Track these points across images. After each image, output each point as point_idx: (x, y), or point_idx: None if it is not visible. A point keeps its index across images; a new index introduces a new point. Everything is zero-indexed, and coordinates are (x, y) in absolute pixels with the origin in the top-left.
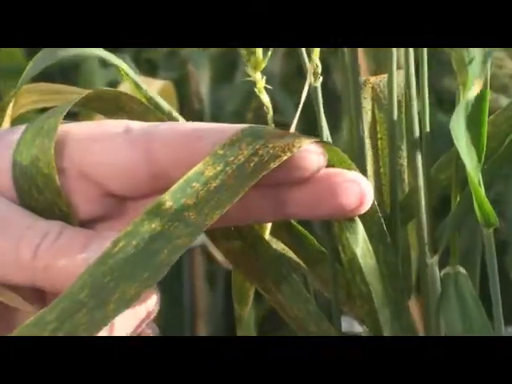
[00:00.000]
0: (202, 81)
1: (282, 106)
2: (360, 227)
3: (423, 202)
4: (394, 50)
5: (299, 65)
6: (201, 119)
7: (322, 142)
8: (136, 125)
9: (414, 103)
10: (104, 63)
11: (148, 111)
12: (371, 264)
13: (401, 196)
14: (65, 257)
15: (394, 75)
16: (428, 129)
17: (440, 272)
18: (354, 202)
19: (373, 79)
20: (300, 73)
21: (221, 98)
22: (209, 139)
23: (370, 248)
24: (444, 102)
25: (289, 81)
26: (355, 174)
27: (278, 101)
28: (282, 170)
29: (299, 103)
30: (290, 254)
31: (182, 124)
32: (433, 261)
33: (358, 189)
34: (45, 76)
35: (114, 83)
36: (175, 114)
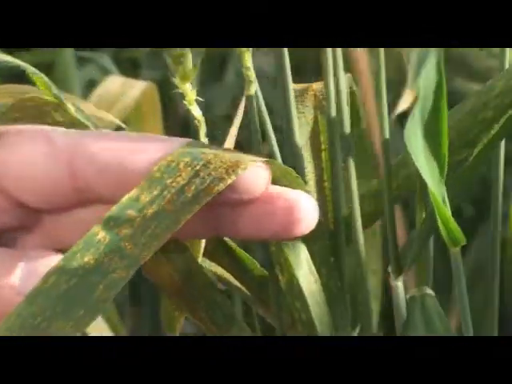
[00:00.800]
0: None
1: (277, 108)
2: (301, 246)
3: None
4: (329, 50)
5: (296, 64)
6: (187, 124)
7: (266, 161)
8: (58, 133)
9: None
10: (81, 62)
11: (74, 125)
12: (314, 288)
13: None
14: None
15: (331, 79)
16: (387, 135)
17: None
18: (295, 226)
19: (315, 86)
20: (297, 72)
21: (209, 100)
22: (141, 155)
23: (314, 270)
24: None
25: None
26: (298, 195)
27: (273, 103)
28: (223, 191)
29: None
30: (229, 277)
31: (111, 135)
32: (398, 283)
33: (299, 211)
34: (14, 75)
35: (92, 83)
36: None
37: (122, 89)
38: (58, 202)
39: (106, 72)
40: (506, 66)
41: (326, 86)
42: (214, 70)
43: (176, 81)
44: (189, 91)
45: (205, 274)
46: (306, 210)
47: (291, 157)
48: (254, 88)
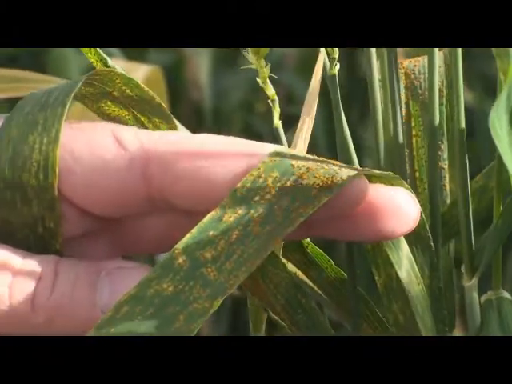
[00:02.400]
0: (201, 66)
1: (298, 96)
2: (402, 245)
3: (470, 215)
4: None
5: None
6: (199, 112)
7: (363, 171)
8: (125, 133)
9: (461, 91)
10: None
11: (145, 98)
12: (417, 290)
13: (442, 207)
14: (70, 305)
15: (436, 57)
16: (463, 125)
17: (480, 298)
18: (402, 228)
19: (406, 63)
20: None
21: (224, 86)
22: (221, 166)
23: (416, 270)
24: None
25: (306, 65)
26: (398, 193)
27: (293, 89)
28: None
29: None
30: (303, 278)
31: (187, 140)
32: (471, 284)
33: (405, 212)
34: (10, 60)
35: (91, 69)
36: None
37: (126, 72)
38: (128, 210)
39: (109, 55)
40: None
41: (430, 65)
42: (229, 55)
43: (249, 56)
44: (262, 67)
45: (287, 272)
46: (407, 208)
47: (390, 152)
48: (337, 68)
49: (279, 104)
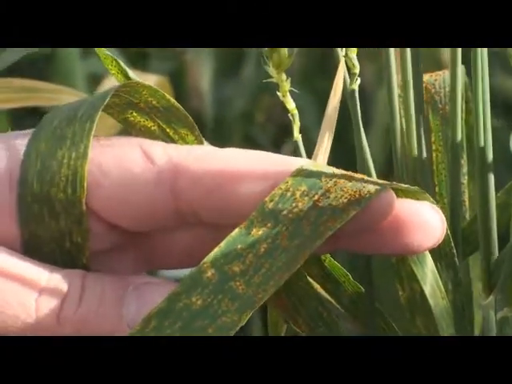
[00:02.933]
0: (203, 74)
1: (302, 108)
2: (427, 259)
3: (491, 232)
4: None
5: (322, 60)
6: (200, 121)
7: (391, 184)
8: (153, 148)
9: (481, 106)
10: (84, 53)
11: (171, 109)
12: (442, 305)
13: (462, 222)
14: (96, 319)
15: (459, 71)
16: (490, 141)
17: (496, 315)
18: (428, 242)
19: (426, 77)
20: (323, 69)
21: (225, 95)
22: (250, 181)
23: (441, 284)
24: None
25: (310, 78)
26: (424, 208)
27: (297, 102)
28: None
29: (323, 106)
30: (321, 291)
31: (216, 154)
32: (487, 302)
33: (431, 227)
34: (11, 69)
35: (97, 77)
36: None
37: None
38: (156, 224)
39: None
40: None
41: (453, 78)
42: (231, 64)
43: (270, 70)
44: (283, 81)
45: (308, 283)
46: (433, 223)
47: (418, 172)
48: (357, 83)
49: (276, 114)
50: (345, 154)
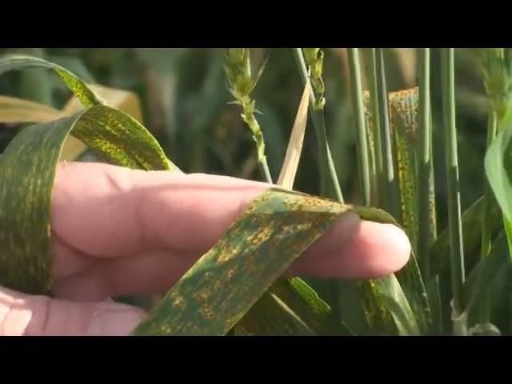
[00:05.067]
0: (164, 90)
1: (261, 121)
2: (393, 280)
3: (458, 250)
4: (427, 56)
5: (282, 72)
6: (162, 136)
7: (356, 207)
8: (119, 174)
9: (453, 128)
10: (50, 69)
11: (136, 132)
12: (409, 326)
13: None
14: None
15: (427, 90)
16: (455, 162)
17: (468, 331)
18: (392, 266)
19: (392, 96)
20: (282, 82)
21: (187, 110)
22: (216, 207)
23: (408, 305)
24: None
25: (269, 91)
26: (392, 231)
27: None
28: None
29: (283, 120)
30: (287, 309)
31: (181, 180)
32: (460, 319)
33: (396, 249)
34: None
35: (64, 92)
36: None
37: (100, 99)
38: (121, 250)
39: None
40: None
41: (422, 98)
42: (193, 80)
43: (233, 92)
44: (247, 103)
45: (273, 302)
46: (398, 245)
47: (384, 191)
48: (323, 103)
49: (237, 130)
50: (309, 172)
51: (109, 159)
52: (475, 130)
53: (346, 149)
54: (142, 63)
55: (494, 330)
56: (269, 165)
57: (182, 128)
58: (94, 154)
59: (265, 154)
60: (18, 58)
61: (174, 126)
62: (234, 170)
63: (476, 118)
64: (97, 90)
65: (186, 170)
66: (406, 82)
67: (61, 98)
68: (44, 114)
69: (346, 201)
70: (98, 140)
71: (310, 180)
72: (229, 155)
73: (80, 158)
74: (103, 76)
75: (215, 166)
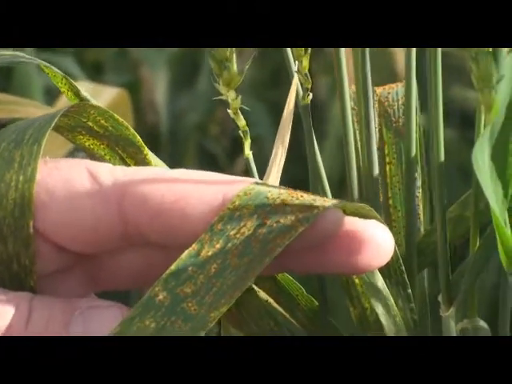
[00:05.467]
0: (158, 87)
1: (253, 118)
2: (378, 276)
3: (445, 245)
4: (413, 51)
5: (273, 69)
6: (156, 133)
7: (339, 202)
8: (100, 170)
9: (440, 122)
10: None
11: (119, 129)
12: (393, 323)
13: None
14: None
15: (413, 84)
16: (442, 156)
17: (456, 326)
18: (376, 262)
19: (379, 90)
20: (274, 79)
21: (180, 107)
22: (198, 202)
23: (392, 302)
24: (449, 114)
25: (261, 88)
26: (372, 227)
27: (248, 111)
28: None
29: (274, 116)
30: (275, 306)
31: (163, 175)
32: (448, 314)
33: (380, 245)
34: None
35: (52, 89)
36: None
37: (91, 96)
38: (103, 246)
39: (70, 77)
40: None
41: (408, 92)
42: (186, 77)
43: (219, 87)
44: (234, 98)
45: (260, 300)
46: (382, 241)
47: (370, 185)
48: (310, 98)
49: (230, 126)
50: (298, 168)
51: (92, 155)
52: (466, 124)
53: (338, 145)
54: (134, 60)
55: (483, 325)
56: (261, 160)
57: (175, 124)
58: (84, 151)
59: (256, 149)
60: (5, 53)
61: (167, 122)
62: (227, 167)
63: (467, 112)
64: (87, 87)
65: (179, 166)
66: (400, 77)
67: (52, 95)
68: (34, 110)
69: (339, 197)
70: (81, 136)
71: (304, 176)
72: (222, 151)
73: (69, 154)
74: (96, 73)
75: (208, 163)
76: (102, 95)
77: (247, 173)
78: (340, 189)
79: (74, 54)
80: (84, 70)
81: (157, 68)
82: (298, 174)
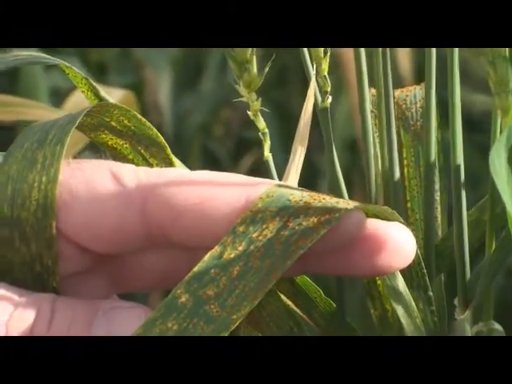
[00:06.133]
0: (161, 88)
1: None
2: (399, 278)
3: (463, 248)
4: (433, 54)
5: (280, 69)
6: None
7: (361, 205)
8: (127, 171)
9: (458, 124)
10: (47, 67)
11: (142, 128)
12: (415, 325)
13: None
14: None
15: (433, 86)
16: (461, 159)
17: (472, 329)
18: (398, 264)
19: (397, 93)
20: (281, 79)
21: (184, 108)
22: (220, 203)
23: (413, 304)
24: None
25: (267, 88)
26: (395, 228)
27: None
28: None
29: (280, 117)
30: (293, 307)
31: (186, 177)
32: (464, 317)
33: (402, 247)
34: None
35: (60, 90)
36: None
37: (105, 96)
38: (126, 247)
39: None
40: None
41: (428, 97)
42: (190, 78)
43: (240, 89)
44: (254, 100)
45: (279, 299)
46: (404, 243)
47: (390, 188)
48: (329, 101)
49: (234, 127)
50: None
51: (114, 154)
52: (471, 128)
53: (343, 145)
54: (138, 61)
55: (498, 328)
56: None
57: (178, 126)
58: (94, 151)
59: (260, 150)
60: (21, 53)
61: (171, 123)
62: (231, 168)
63: (472, 116)
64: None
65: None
66: (403, 80)
67: (58, 96)
68: (41, 112)
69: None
70: (104, 135)
71: (308, 180)
72: (226, 153)
73: (79, 155)
74: (100, 74)
75: (212, 164)
76: (109, 96)
77: (251, 174)
78: (346, 189)
79: (77, 54)
80: (88, 70)
81: (160, 69)
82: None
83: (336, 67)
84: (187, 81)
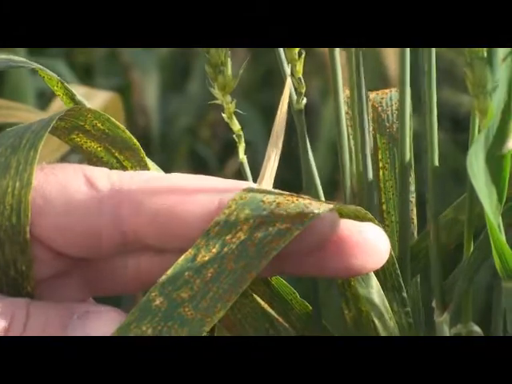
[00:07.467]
0: (148, 90)
1: (245, 120)
2: (373, 279)
3: (438, 249)
4: (407, 54)
5: (266, 71)
6: (147, 136)
7: (335, 205)
8: (97, 175)
9: (434, 127)
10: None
11: (116, 131)
12: (388, 326)
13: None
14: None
15: (407, 89)
16: (436, 161)
17: (450, 331)
18: (371, 264)
19: (373, 95)
20: (266, 81)
21: (171, 110)
22: (194, 206)
23: (387, 305)
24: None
25: (253, 90)
26: (372, 229)
27: (241, 116)
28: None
29: (267, 119)
30: (269, 309)
31: (159, 180)
32: (442, 319)
33: (375, 248)
34: None
35: (45, 93)
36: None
37: (84, 99)
38: (100, 251)
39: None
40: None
41: (402, 98)
42: (177, 80)
43: (214, 91)
44: (228, 103)
45: (253, 301)
46: (377, 243)
47: (365, 190)
48: (304, 102)
49: (221, 130)
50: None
51: (89, 157)
52: (458, 128)
53: (330, 148)
54: (125, 63)
55: (477, 329)
56: (253, 164)
57: (165, 128)
58: (79, 155)
59: (249, 152)
60: (0, 57)
61: (158, 125)
62: (218, 170)
63: (459, 116)
64: (80, 91)
65: (170, 169)
66: (391, 81)
67: (45, 99)
68: (27, 115)
69: (329, 198)
70: (78, 139)
71: (297, 178)
72: (213, 155)
73: (63, 159)
74: (87, 76)
75: (199, 166)
76: (94, 99)
77: (238, 176)
78: (330, 191)
79: (64, 56)
80: (74, 72)
81: (147, 71)
82: (287, 177)
83: (322, 70)
84: (174, 83)
